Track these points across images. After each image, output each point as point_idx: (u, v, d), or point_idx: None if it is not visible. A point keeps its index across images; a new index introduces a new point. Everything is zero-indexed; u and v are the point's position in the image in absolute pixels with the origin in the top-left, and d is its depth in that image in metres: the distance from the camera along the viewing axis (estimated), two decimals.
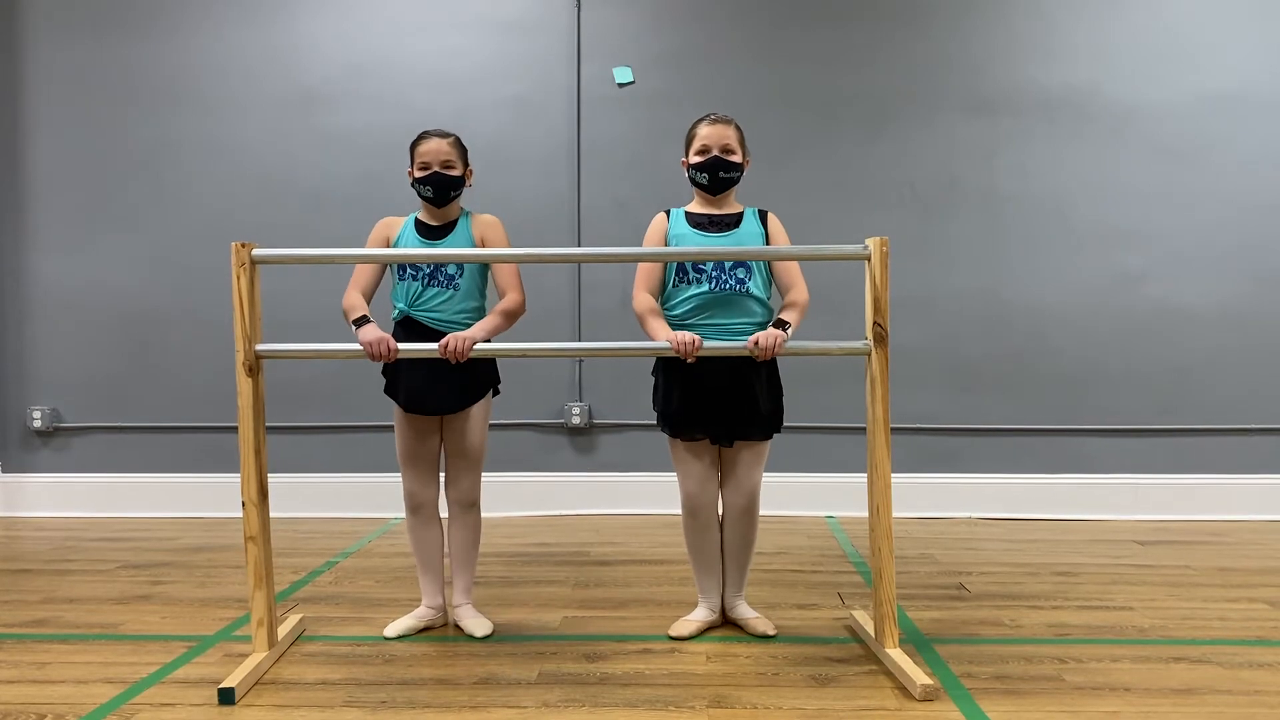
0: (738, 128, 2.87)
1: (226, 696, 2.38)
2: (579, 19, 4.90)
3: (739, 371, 2.79)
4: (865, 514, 2.82)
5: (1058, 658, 2.70)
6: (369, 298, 2.90)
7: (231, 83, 4.97)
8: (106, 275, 5.00)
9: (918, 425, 4.83)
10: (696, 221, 2.88)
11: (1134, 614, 3.12)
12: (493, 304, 2.93)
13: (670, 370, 2.84)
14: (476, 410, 2.92)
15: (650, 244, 2.91)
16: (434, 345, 2.65)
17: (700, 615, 2.95)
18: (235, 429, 2.67)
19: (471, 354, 2.64)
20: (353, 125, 4.95)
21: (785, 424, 2.92)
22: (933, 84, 4.86)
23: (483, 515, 3.06)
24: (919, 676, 2.42)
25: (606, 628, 3.01)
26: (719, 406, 2.80)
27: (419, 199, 2.93)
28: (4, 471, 5.09)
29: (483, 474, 3.01)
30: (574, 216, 4.93)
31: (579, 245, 4.84)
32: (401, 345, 2.69)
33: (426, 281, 2.85)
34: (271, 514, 2.71)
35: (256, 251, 2.59)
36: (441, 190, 2.87)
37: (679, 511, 2.95)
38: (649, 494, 4.84)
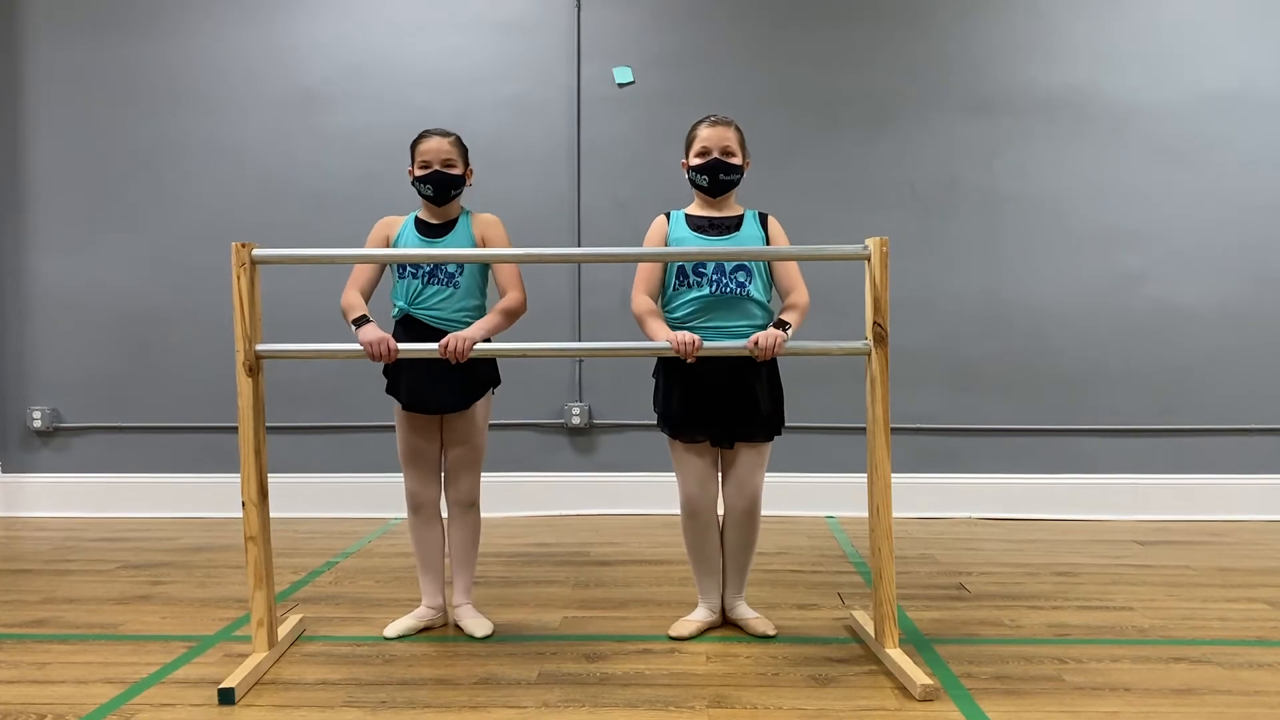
0: (738, 129, 2.87)
1: (226, 697, 2.38)
2: (579, 19, 4.90)
3: (739, 372, 2.79)
4: (865, 514, 2.82)
5: (1058, 658, 2.70)
6: (368, 296, 2.90)
7: (231, 83, 4.97)
8: (106, 275, 5.00)
9: (918, 425, 4.83)
10: (697, 224, 2.88)
11: (1134, 614, 3.12)
12: (493, 302, 2.93)
13: (670, 371, 2.84)
14: (477, 410, 2.93)
15: (650, 246, 2.91)
16: (434, 345, 2.65)
17: (700, 615, 2.94)
18: (235, 429, 2.67)
19: (471, 354, 2.64)
20: (353, 125, 4.95)
21: (785, 424, 2.92)
22: (933, 84, 4.86)
23: (483, 515, 3.06)
24: (919, 677, 2.43)
25: (606, 628, 3.01)
26: (719, 407, 2.80)
27: (419, 198, 2.94)
28: (4, 471, 5.09)
29: (483, 474, 3.02)
30: (574, 216, 4.93)
31: (579, 245, 4.84)
32: (402, 345, 2.69)
33: (426, 280, 2.85)
34: (271, 514, 2.71)
35: (256, 251, 2.59)
36: (442, 189, 2.87)
37: (679, 512, 2.95)
38: (649, 494, 4.84)
